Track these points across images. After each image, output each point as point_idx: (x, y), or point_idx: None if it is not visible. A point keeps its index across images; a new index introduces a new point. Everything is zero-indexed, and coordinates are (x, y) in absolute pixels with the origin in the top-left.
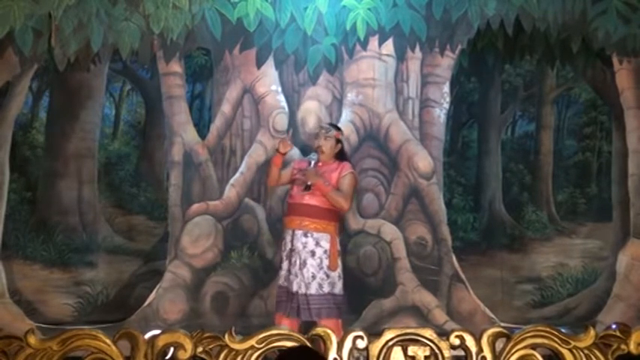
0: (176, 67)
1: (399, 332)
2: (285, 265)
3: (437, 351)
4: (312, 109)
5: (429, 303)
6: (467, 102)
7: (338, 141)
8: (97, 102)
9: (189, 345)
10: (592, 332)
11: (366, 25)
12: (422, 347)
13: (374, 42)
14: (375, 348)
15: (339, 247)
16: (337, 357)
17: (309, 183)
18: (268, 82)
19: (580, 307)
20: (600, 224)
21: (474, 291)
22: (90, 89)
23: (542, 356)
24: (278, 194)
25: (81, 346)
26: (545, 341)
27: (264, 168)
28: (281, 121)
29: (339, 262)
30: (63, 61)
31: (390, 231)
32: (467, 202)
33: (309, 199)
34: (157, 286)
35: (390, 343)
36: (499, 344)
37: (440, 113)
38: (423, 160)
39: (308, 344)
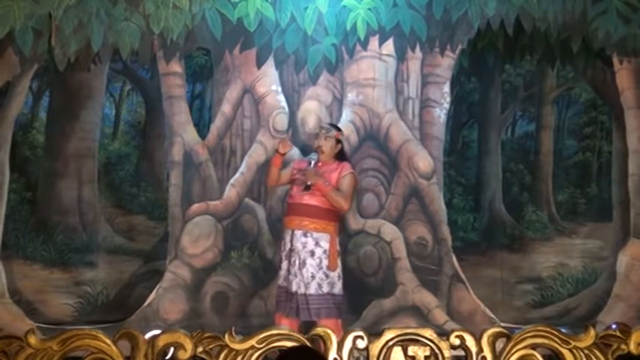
0: (176, 67)
1: (399, 332)
2: (284, 265)
3: (437, 351)
4: (312, 109)
5: (429, 303)
6: (467, 102)
7: (338, 141)
8: (97, 102)
9: (189, 345)
10: (592, 332)
11: (366, 25)
12: (422, 347)
13: (374, 42)
14: (375, 348)
15: (338, 247)
16: (337, 357)
17: (309, 183)
18: (268, 82)
19: (580, 307)
20: (600, 224)
21: (474, 291)
22: (90, 89)
23: (543, 356)
24: (278, 194)
25: (81, 346)
26: (546, 341)
27: (264, 168)
28: (281, 121)
29: (339, 262)
30: (63, 61)
31: (390, 231)
32: (467, 202)
33: (308, 199)
34: (157, 286)
35: (390, 343)
36: (499, 344)
37: (440, 113)
38: (423, 160)
39: (308, 344)
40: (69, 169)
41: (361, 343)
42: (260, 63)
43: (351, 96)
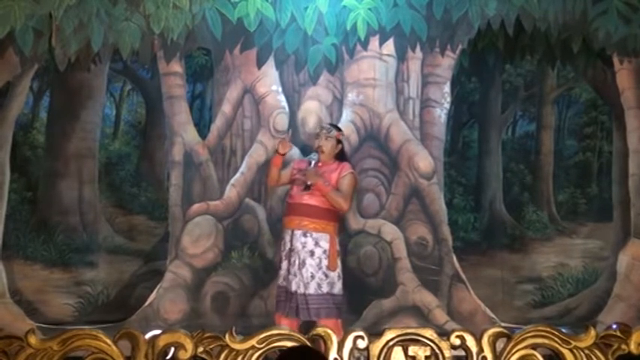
0: (176, 67)
1: (399, 332)
2: (284, 264)
3: (437, 351)
4: (312, 109)
5: (430, 303)
6: (467, 102)
7: (338, 141)
8: (98, 102)
9: (189, 345)
10: (592, 332)
11: (366, 25)
12: (422, 347)
13: (374, 42)
14: (376, 348)
15: (338, 247)
16: (338, 357)
17: (308, 183)
18: (269, 82)
19: (580, 307)
20: (601, 224)
21: (474, 291)
22: (90, 89)
23: (543, 356)
24: (278, 194)
25: (81, 346)
26: (546, 341)
27: (264, 168)
28: (281, 121)
29: (339, 262)
30: (63, 61)
31: (390, 231)
32: (467, 202)
33: (308, 199)
34: (158, 286)
35: (391, 343)
36: (500, 344)
37: (440, 113)
38: (424, 160)
39: (308, 344)
40: (69, 169)
41: (362, 343)
42: (260, 63)
43: (351, 96)
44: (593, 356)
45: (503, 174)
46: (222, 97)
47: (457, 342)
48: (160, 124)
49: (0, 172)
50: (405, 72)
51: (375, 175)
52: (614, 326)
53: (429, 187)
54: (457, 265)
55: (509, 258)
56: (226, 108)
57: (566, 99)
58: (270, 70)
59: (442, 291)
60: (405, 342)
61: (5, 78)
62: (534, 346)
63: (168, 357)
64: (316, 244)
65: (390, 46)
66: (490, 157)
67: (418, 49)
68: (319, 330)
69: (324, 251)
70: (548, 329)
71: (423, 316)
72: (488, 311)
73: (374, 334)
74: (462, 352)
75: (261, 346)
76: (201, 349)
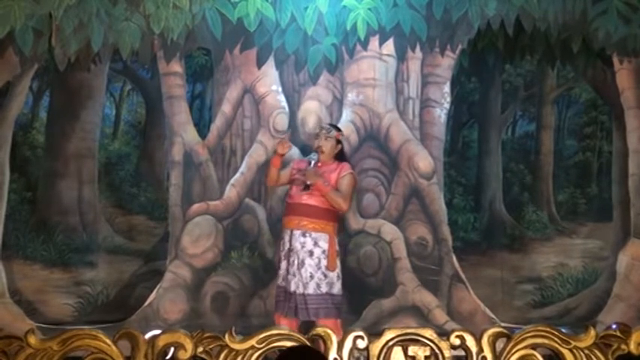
0: (176, 67)
1: (399, 332)
2: (283, 264)
3: (437, 351)
4: (312, 109)
5: (430, 303)
6: (467, 102)
7: (338, 141)
8: (98, 102)
9: (189, 345)
10: (592, 332)
11: (366, 25)
12: (422, 347)
13: (374, 42)
14: (376, 348)
15: (337, 248)
16: (337, 357)
17: (308, 183)
18: (269, 82)
19: (580, 307)
20: (601, 224)
21: (474, 291)
22: (90, 89)
23: (543, 356)
24: (278, 194)
25: (81, 346)
26: (546, 341)
27: (264, 168)
28: (281, 121)
29: (338, 263)
30: (63, 61)
31: (390, 231)
32: (467, 202)
33: (307, 199)
34: (158, 286)
35: (391, 343)
36: (499, 344)
37: (440, 113)
38: (424, 160)
39: (308, 344)
40: (69, 169)
41: (361, 343)
42: (260, 63)
43: (351, 96)
44: (592, 356)
45: (503, 174)
46: (222, 97)
47: (457, 342)
48: (160, 124)
49: (0, 172)
50: (405, 72)
51: (375, 175)
52: (614, 326)
53: (428, 187)
54: (457, 265)
55: (509, 258)
56: (226, 108)
57: (566, 99)
58: (270, 70)
59: (442, 291)
60: (404, 342)
61: (5, 78)
62: (534, 346)
63: (167, 357)
64: (315, 244)
65: (389, 46)
66: (490, 157)
67: (418, 49)
68: (319, 330)
69: (324, 251)
70: (548, 329)
71: (422, 316)
72: (488, 311)
73: (374, 334)
74: (462, 352)
75: (261, 346)
76: (200, 349)
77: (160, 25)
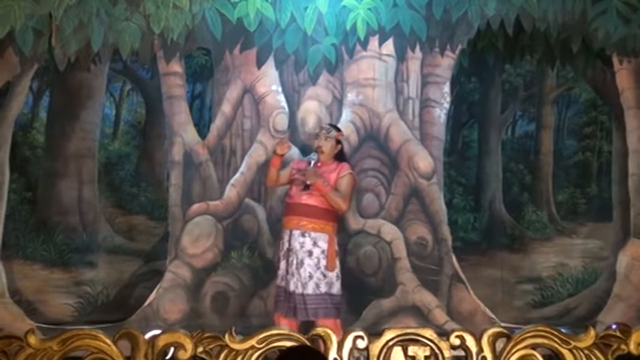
0: (176, 67)
1: (399, 332)
2: (282, 264)
3: (437, 351)
4: (312, 109)
5: (430, 303)
6: (467, 102)
7: (338, 142)
8: (98, 102)
9: (189, 345)
10: (592, 332)
11: (366, 25)
12: (422, 347)
13: (374, 42)
14: (376, 348)
15: (337, 248)
16: (337, 357)
17: (308, 182)
18: (268, 82)
19: (580, 307)
20: (600, 224)
21: (474, 291)
22: (90, 89)
23: (543, 356)
24: (278, 194)
25: (81, 346)
26: (546, 341)
27: (264, 168)
28: (281, 121)
29: (337, 263)
30: (63, 61)
31: (390, 231)
32: (467, 202)
33: (307, 199)
34: (158, 286)
35: (391, 343)
36: (499, 344)
37: (440, 113)
38: (424, 160)
39: (308, 344)
40: (69, 169)
41: (361, 343)
42: (260, 63)
43: (351, 96)
44: (592, 356)
45: (502, 174)
46: (222, 97)
47: (457, 342)
48: (160, 124)
49: (0, 172)
50: (405, 72)
51: (375, 175)
52: (614, 326)
53: (428, 187)
54: (457, 265)
55: (509, 258)
56: (226, 108)
57: (565, 99)
58: (269, 70)
59: (442, 291)
60: (404, 342)
61: (5, 78)
62: (534, 346)
63: (167, 357)
64: (314, 244)
65: (389, 46)
66: (490, 157)
67: (418, 49)
68: (319, 330)
69: (323, 251)
70: (548, 329)
71: (422, 316)
72: (487, 311)
73: (374, 334)
74: (462, 352)
75: (261, 346)
76: (200, 349)
77: (160, 25)
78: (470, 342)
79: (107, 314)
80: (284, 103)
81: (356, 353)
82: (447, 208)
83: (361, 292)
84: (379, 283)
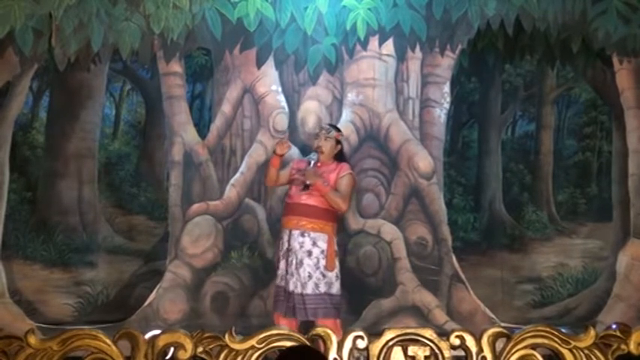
0: (176, 67)
1: (399, 332)
2: (282, 264)
3: (437, 351)
4: (312, 109)
5: (429, 303)
6: (467, 102)
7: (338, 142)
8: (98, 102)
9: (189, 345)
10: (592, 332)
11: (366, 25)
12: (422, 347)
13: (374, 42)
14: (376, 348)
15: (336, 248)
16: (337, 357)
17: (308, 182)
18: (268, 82)
19: (580, 307)
20: (600, 224)
21: (474, 291)
22: (90, 89)
23: (543, 356)
24: (278, 194)
25: (81, 346)
26: (546, 341)
27: (264, 168)
28: (281, 121)
29: (337, 263)
30: (63, 61)
31: (390, 231)
32: (467, 202)
33: (306, 199)
34: (157, 286)
35: (391, 343)
36: (499, 344)
37: (440, 113)
38: (424, 160)
39: (308, 344)
40: (69, 169)
41: (361, 343)
42: (260, 63)
43: (351, 96)
44: (592, 356)
45: (502, 174)
46: (222, 97)
47: (457, 342)
48: (160, 124)
49: (0, 172)
50: (405, 72)
51: (375, 175)
52: (614, 326)
53: (428, 187)
54: (457, 265)
55: (509, 258)
56: (226, 108)
57: (565, 99)
58: (269, 70)
59: (442, 291)
60: (404, 342)
61: (5, 78)
62: (534, 346)
63: (167, 357)
64: (314, 244)
65: (389, 46)
66: (490, 157)
67: (418, 49)
68: (319, 330)
69: (322, 251)
70: (548, 329)
71: (422, 316)
72: (487, 311)
73: (373, 334)
74: (462, 352)
75: (261, 346)
76: (200, 349)
77: (160, 25)
78: (470, 342)
79: (107, 314)
80: (284, 103)
81: (356, 353)
82: (447, 208)
83: (361, 292)
84: (379, 283)
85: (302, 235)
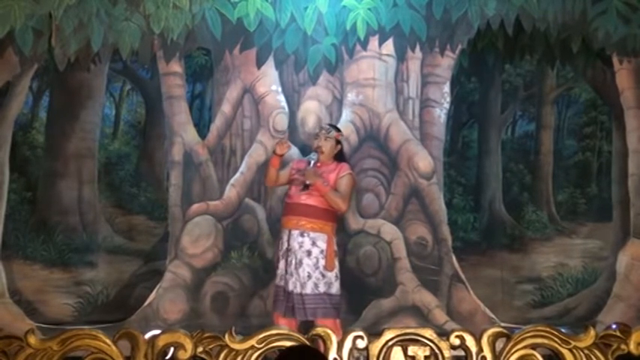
0: (176, 67)
1: (399, 332)
2: (281, 264)
3: (437, 351)
4: (312, 109)
5: (429, 303)
6: (467, 102)
7: (338, 142)
8: (97, 102)
9: (189, 345)
10: (592, 332)
11: (366, 25)
12: (422, 347)
13: (374, 42)
14: (375, 348)
15: (335, 248)
16: (337, 357)
17: (307, 182)
18: (268, 82)
19: (580, 307)
20: (600, 224)
21: (474, 291)
22: (90, 89)
23: (542, 356)
24: (278, 194)
25: (81, 346)
26: (546, 341)
27: (264, 168)
28: (281, 121)
29: (336, 263)
30: (63, 61)
31: (390, 231)
32: (467, 202)
33: (306, 199)
34: (157, 286)
35: (390, 343)
36: (499, 344)
37: (440, 113)
38: (424, 160)
39: (308, 344)
40: (69, 169)
41: (361, 343)
42: (260, 63)
43: (351, 96)
44: (592, 356)
45: (502, 174)
46: (222, 97)
47: (457, 342)
48: (160, 124)
49: (0, 172)
50: (405, 72)
51: (375, 175)
52: (614, 326)
53: (428, 187)
54: (457, 265)
55: (509, 258)
56: (226, 108)
57: (565, 99)
58: (269, 70)
59: (442, 291)
60: (404, 342)
61: (5, 78)
62: (534, 346)
63: (167, 357)
64: (313, 243)
65: (389, 46)
66: (490, 157)
67: (418, 49)
68: (319, 330)
69: (322, 251)
70: (548, 329)
71: (422, 316)
72: (487, 311)
73: (373, 334)
74: (462, 352)
75: (261, 346)
76: (200, 349)
77: (160, 25)
78: (470, 342)
79: (107, 314)
80: (284, 103)
81: (356, 353)
82: (446, 208)
83: (361, 292)
84: (379, 283)
85: (301, 235)
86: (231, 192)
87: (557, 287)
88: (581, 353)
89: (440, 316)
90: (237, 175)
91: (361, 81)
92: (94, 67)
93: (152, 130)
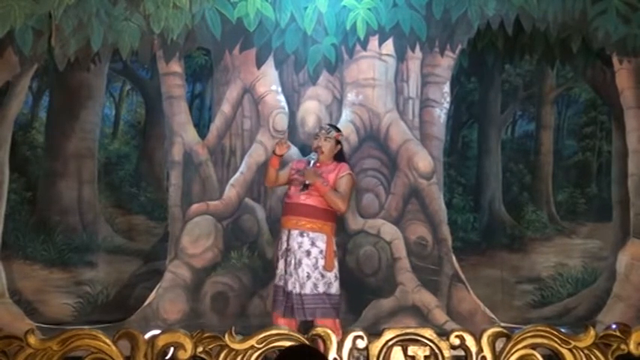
0: (176, 67)
1: (398, 332)
2: (280, 264)
3: (437, 351)
4: (312, 109)
5: (429, 303)
6: (467, 102)
7: (337, 142)
8: (97, 102)
9: (189, 345)
10: (592, 332)
11: (366, 25)
12: (422, 347)
13: (374, 42)
14: (375, 348)
15: (335, 248)
16: (337, 357)
17: (307, 182)
18: (268, 82)
19: (580, 307)
20: (600, 224)
21: (474, 291)
22: (90, 89)
23: (542, 356)
24: (278, 194)
25: (81, 346)
26: (545, 341)
27: (264, 168)
28: (281, 121)
29: (336, 263)
30: (63, 61)
31: (390, 231)
32: (467, 202)
33: (305, 199)
34: (157, 286)
35: (390, 343)
36: (499, 344)
37: (440, 113)
38: (423, 160)
39: (308, 344)
40: (69, 169)
41: (361, 343)
42: (260, 63)
43: (350, 96)
44: (592, 356)
45: (502, 174)
46: (222, 97)
47: (456, 342)
48: (160, 124)
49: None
50: (405, 72)
51: (375, 175)
52: (614, 326)
53: (428, 187)
54: (456, 265)
55: (509, 258)
56: (226, 108)
57: (565, 99)
58: (269, 70)
59: (442, 291)
60: (404, 342)
61: (5, 78)
62: (534, 346)
63: (167, 357)
64: (312, 244)
65: (389, 46)
66: (489, 157)
67: (417, 49)
68: (319, 330)
69: (321, 251)
70: (548, 329)
71: (422, 316)
72: (487, 311)
73: (373, 333)
74: (462, 352)
75: (261, 345)
76: (200, 349)
77: (160, 25)
78: (470, 342)
79: (107, 314)
80: (284, 103)
81: (356, 353)
82: (446, 208)
83: (361, 292)
84: (379, 283)
85: (301, 235)
86: (231, 192)
87: (557, 287)
88: (581, 353)
89: (440, 316)
90: (237, 175)
91: (361, 81)
92: (94, 67)
93: (152, 130)
